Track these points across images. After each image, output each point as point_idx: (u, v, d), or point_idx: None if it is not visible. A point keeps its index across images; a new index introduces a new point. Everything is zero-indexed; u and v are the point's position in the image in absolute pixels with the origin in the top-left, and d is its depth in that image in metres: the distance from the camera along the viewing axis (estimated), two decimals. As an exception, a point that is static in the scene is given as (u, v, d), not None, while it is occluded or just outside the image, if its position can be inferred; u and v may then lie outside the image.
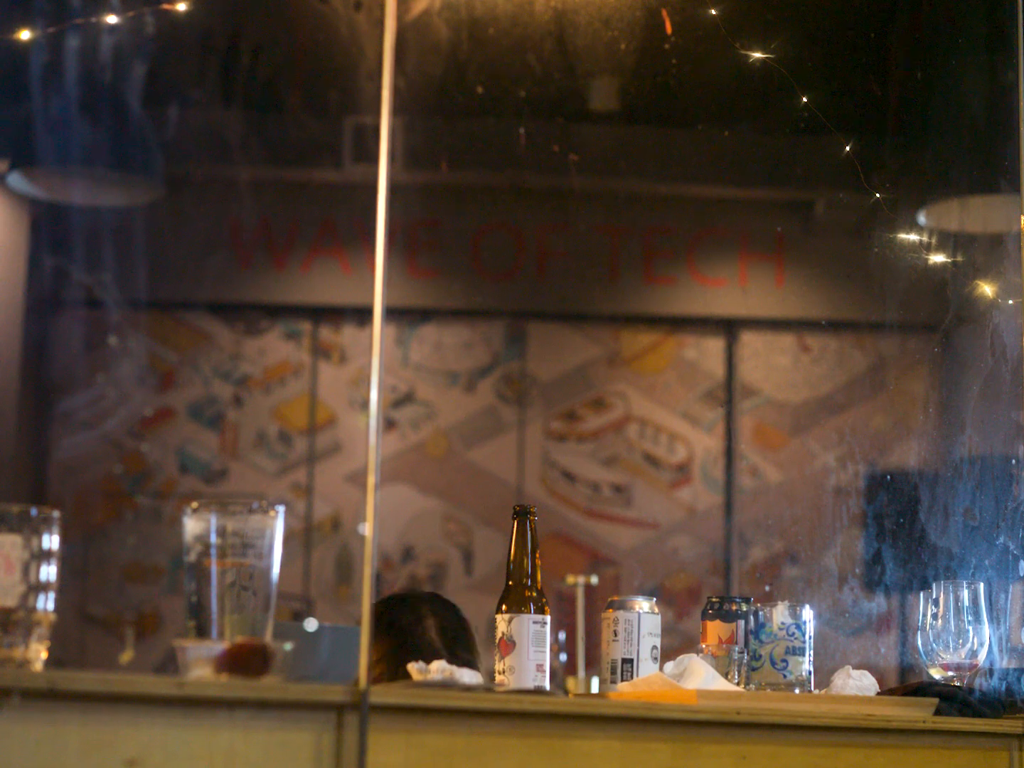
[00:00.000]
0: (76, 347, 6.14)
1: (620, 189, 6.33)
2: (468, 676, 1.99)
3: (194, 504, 1.69)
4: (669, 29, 3.29)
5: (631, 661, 2.21)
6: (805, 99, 2.87)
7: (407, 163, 5.57)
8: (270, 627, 1.69)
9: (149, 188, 5.41)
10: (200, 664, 1.60)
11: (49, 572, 1.58)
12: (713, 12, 2.85)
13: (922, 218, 4.62)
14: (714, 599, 2.32)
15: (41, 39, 3.00)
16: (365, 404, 6.48)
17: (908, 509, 2.92)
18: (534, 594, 2.20)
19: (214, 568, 1.66)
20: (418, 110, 5.26)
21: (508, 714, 1.79)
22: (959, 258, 2.95)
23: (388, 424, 6.45)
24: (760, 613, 2.25)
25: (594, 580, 4.50)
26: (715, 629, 2.29)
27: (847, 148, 2.89)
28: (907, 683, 2.35)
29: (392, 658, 2.48)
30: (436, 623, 2.58)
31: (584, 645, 4.34)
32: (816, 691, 2.26)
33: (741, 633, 2.27)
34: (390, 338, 6.43)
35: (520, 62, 4.50)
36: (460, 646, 2.55)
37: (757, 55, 2.87)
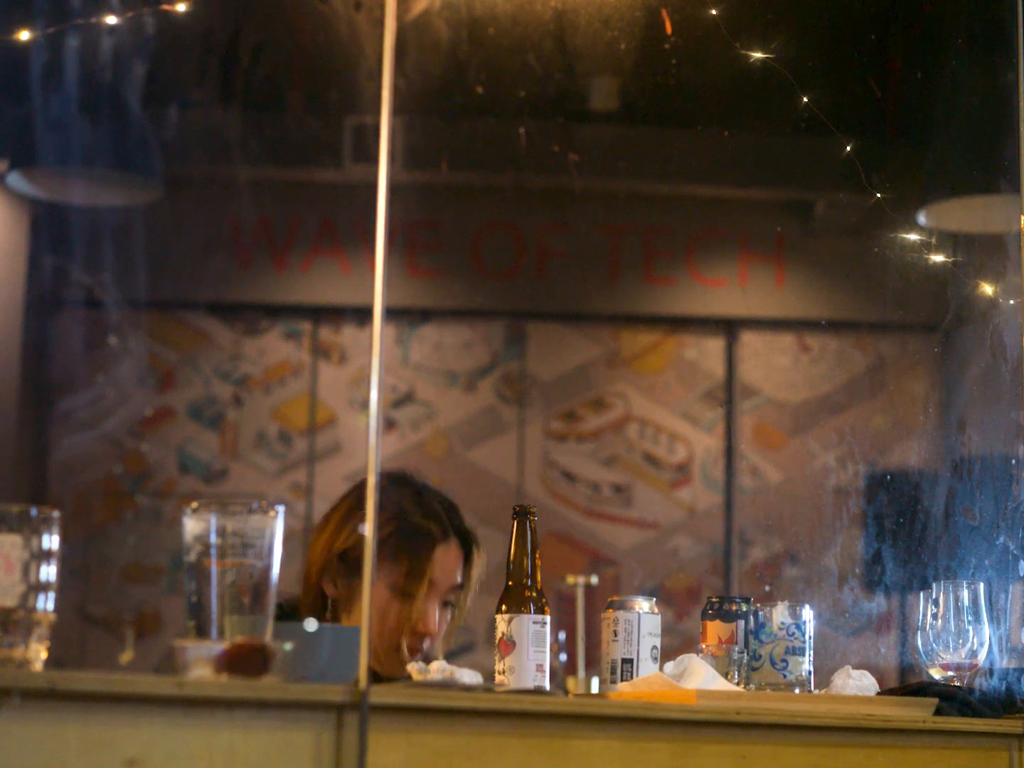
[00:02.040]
0: (76, 347, 6.14)
1: (620, 189, 6.33)
2: (468, 676, 1.99)
3: (194, 504, 1.69)
4: (669, 29, 3.29)
5: (631, 661, 2.21)
6: (805, 99, 2.87)
7: (407, 163, 5.57)
8: (270, 627, 1.69)
9: (149, 188, 5.41)
10: (200, 664, 1.60)
11: (49, 572, 1.58)
12: (713, 12, 2.85)
13: (922, 218, 4.62)
14: (714, 599, 2.32)
15: (41, 39, 3.00)
16: (365, 404, 6.48)
17: (908, 509, 2.93)
18: (534, 594, 2.20)
19: (214, 568, 1.66)
20: (418, 110, 5.26)
21: (508, 714, 1.79)
22: (959, 258, 2.95)
23: (388, 424, 6.45)
24: (760, 613, 2.25)
25: (594, 580, 4.50)
26: (715, 629, 2.29)
27: (847, 148, 2.89)
28: (907, 683, 2.35)
29: (402, 521, 2.47)
30: (435, 496, 2.58)
31: (584, 645, 4.34)
32: (816, 691, 2.26)
33: (741, 633, 2.27)
34: (390, 338, 6.43)
35: (520, 62, 4.50)
36: (460, 518, 2.55)
37: (757, 55, 2.87)
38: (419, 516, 2.47)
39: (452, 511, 2.52)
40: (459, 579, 2.49)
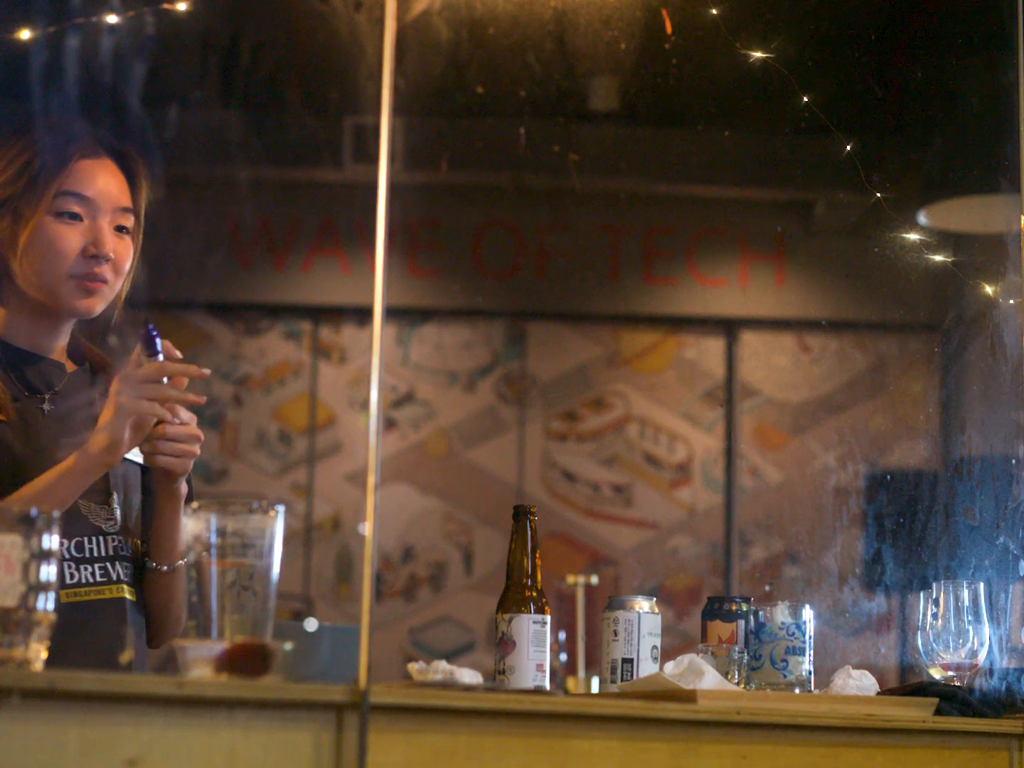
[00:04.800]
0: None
1: (620, 189, 6.34)
2: (468, 676, 2.00)
3: (194, 504, 1.69)
4: (669, 29, 3.29)
5: (631, 661, 2.21)
6: (805, 99, 2.87)
7: (407, 163, 5.57)
8: (270, 627, 1.69)
9: (149, 188, 5.40)
10: (200, 664, 1.60)
11: (49, 572, 1.58)
12: (713, 12, 2.85)
13: (922, 218, 4.62)
14: (714, 599, 2.32)
15: (41, 38, 3.01)
16: (365, 404, 6.49)
17: (908, 509, 2.93)
18: (534, 594, 2.20)
19: (214, 568, 1.66)
20: (418, 110, 5.26)
21: (508, 714, 1.79)
22: (959, 258, 2.95)
23: (388, 424, 6.45)
24: (760, 613, 2.25)
25: (594, 580, 4.50)
26: (715, 629, 2.29)
27: (847, 148, 2.89)
28: (907, 683, 2.35)
29: (41, 143, 2.31)
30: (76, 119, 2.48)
31: (584, 645, 4.34)
32: (816, 691, 2.26)
33: (741, 633, 2.27)
34: (390, 338, 6.43)
35: (520, 62, 4.50)
36: (112, 137, 2.42)
37: (757, 55, 2.87)
38: (58, 138, 2.31)
39: (104, 135, 2.38)
40: (127, 202, 2.35)
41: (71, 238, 2.26)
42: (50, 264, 2.25)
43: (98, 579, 2.21)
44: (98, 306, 2.30)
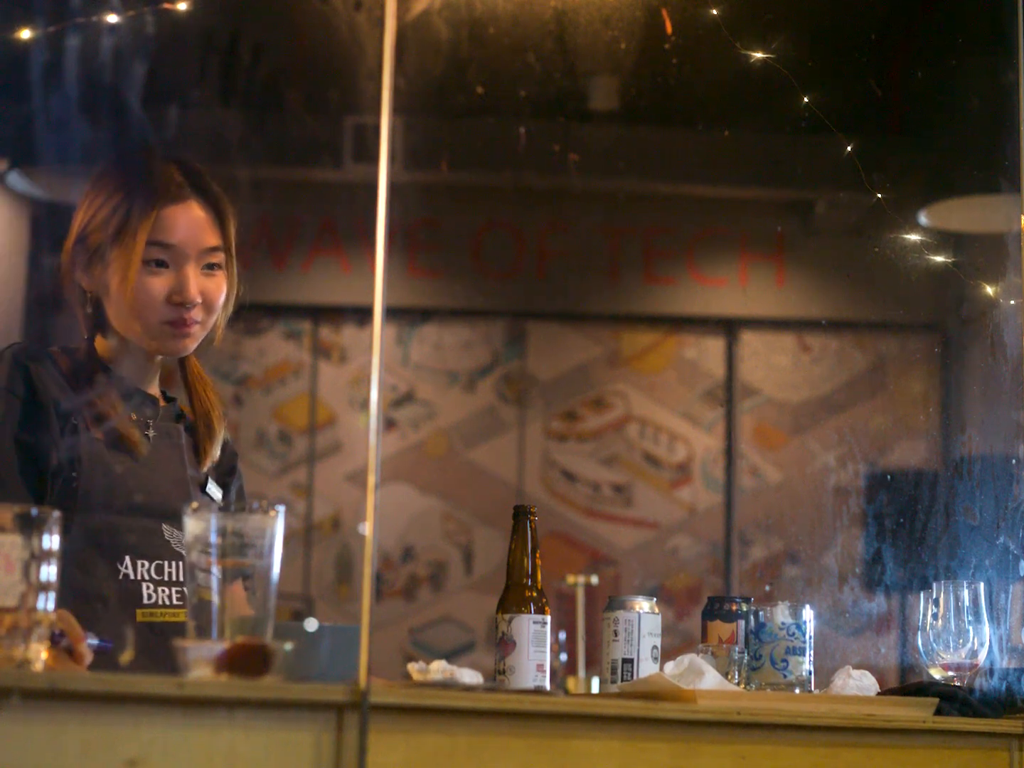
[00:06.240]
0: (76, 347, 6.14)
1: (620, 189, 6.34)
2: (468, 676, 2.00)
3: (194, 504, 1.69)
4: (669, 29, 3.29)
5: (631, 661, 2.21)
6: (805, 99, 2.87)
7: (407, 163, 5.57)
8: (270, 627, 1.69)
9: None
10: (200, 664, 1.60)
11: (49, 572, 1.58)
12: (713, 12, 2.85)
13: (923, 218, 4.62)
14: (714, 599, 2.32)
15: (41, 39, 3.00)
16: (365, 404, 6.49)
17: (908, 509, 2.93)
18: (534, 594, 2.20)
19: (214, 568, 1.66)
20: (418, 110, 5.26)
21: (508, 714, 1.79)
22: (959, 258, 2.95)
23: (388, 424, 6.45)
24: (760, 613, 2.25)
25: (594, 580, 4.50)
26: (715, 629, 2.29)
27: (847, 148, 2.89)
28: (907, 683, 2.35)
29: (129, 190, 2.31)
30: (166, 162, 2.40)
31: (584, 645, 4.34)
32: (816, 691, 2.26)
33: (741, 633, 2.27)
34: (390, 338, 6.43)
35: (520, 62, 4.50)
36: (199, 177, 2.39)
37: (757, 55, 2.87)
38: (144, 181, 2.32)
39: (190, 173, 2.36)
40: (214, 241, 2.34)
41: (156, 286, 2.29)
42: (139, 312, 2.29)
43: (174, 602, 2.25)
44: (190, 346, 2.35)
